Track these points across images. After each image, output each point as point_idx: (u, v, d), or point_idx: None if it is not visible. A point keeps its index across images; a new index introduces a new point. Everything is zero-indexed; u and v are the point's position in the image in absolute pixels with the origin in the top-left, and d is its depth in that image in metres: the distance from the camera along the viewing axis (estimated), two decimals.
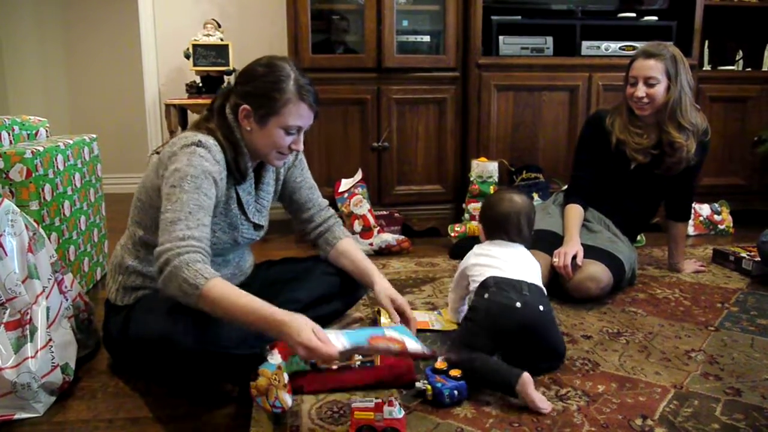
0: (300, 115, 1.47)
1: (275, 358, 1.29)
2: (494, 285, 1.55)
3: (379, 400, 1.26)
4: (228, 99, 1.51)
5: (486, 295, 1.54)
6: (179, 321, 1.32)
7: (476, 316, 1.54)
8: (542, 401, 1.36)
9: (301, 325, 1.19)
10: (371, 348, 1.30)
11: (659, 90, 2.11)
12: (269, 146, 1.48)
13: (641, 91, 2.12)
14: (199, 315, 1.30)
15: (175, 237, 1.30)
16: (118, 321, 1.52)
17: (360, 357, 1.49)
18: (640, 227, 2.42)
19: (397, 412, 1.25)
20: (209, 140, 1.43)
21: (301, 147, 1.52)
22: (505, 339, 1.50)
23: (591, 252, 2.10)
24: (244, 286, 1.63)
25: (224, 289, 1.26)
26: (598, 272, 2.03)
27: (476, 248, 1.72)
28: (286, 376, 1.27)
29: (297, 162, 1.72)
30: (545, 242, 2.15)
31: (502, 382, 1.40)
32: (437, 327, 1.83)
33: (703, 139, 2.20)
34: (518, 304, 1.50)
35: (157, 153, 1.53)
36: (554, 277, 2.14)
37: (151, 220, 1.46)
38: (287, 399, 1.25)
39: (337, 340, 1.22)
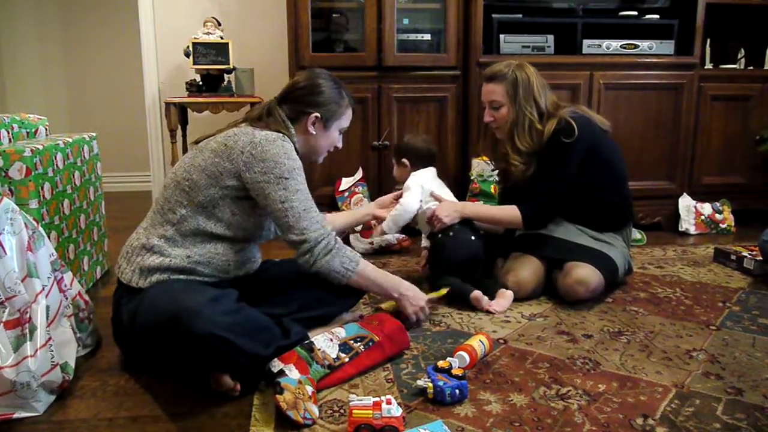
0: (350, 118, 1.81)
1: (293, 373, 1.38)
2: (458, 224, 2.10)
3: (378, 399, 1.26)
4: (281, 107, 1.71)
5: (451, 233, 2.09)
6: (191, 301, 1.37)
7: (444, 250, 2.10)
8: (493, 305, 1.97)
9: (414, 291, 1.80)
10: (368, 329, 1.60)
11: (503, 112, 2.11)
12: (328, 146, 1.79)
13: (488, 115, 2.15)
14: (211, 298, 1.41)
15: (317, 223, 1.61)
16: (131, 305, 1.52)
17: (361, 343, 1.56)
18: (601, 222, 2.19)
19: (395, 410, 1.25)
20: (286, 137, 1.64)
21: (341, 144, 1.84)
22: (464, 267, 2.07)
23: (579, 253, 2.07)
24: (248, 282, 1.66)
25: (368, 266, 1.71)
26: (587, 275, 2.00)
27: (422, 178, 2.22)
28: (309, 389, 1.36)
29: None
30: (535, 245, 2.14)
31: (463, 296, 2.00)
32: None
33: (554, 139, 2.05)
34: (473, 238, 2.10)
35: (197, 143, 1.68)
36: (548, 279, 2.14)
37: (204, 199, 1.58)
38: (315, 410, 1.34)
39: (332, 350, 1.50)
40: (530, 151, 2.07)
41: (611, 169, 2.15)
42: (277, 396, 1.31)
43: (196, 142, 1.69)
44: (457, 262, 2.08)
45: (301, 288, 1.70)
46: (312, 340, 1.51)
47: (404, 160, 2.26)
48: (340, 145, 1.82)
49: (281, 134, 1.63)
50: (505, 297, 2.01)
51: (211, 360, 1.40)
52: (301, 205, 1.58)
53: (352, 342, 1.55)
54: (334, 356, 1.49)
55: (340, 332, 1.56)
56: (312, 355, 1.46)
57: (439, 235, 2.12)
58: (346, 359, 1.51)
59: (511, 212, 2.12)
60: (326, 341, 1.51)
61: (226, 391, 1.44)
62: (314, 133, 1.72)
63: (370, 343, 1.57)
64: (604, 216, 2.16)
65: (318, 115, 1.70)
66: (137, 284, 1.54)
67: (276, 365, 1.40)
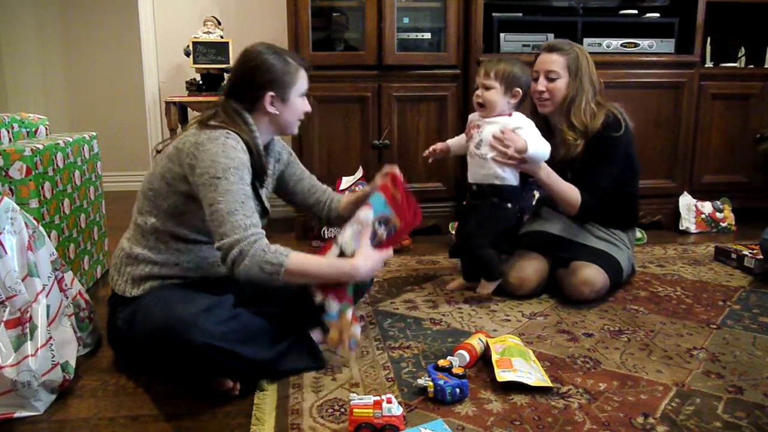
0: (306, 79, 1.68)
1: (332, 306, 1.50)
2: (513, 192, 2.01)
3: (378, 398, 1.26)
4: (231, 100, 1.61)
5: (509, 204, 2.01)
6: (185, 312, 1.36)
7: (506, 220, 2.05)
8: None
9: (365, 264, 1.54)
10: (391, 206, 1.67)
11: (559, 85, 2.06)
12: (295, 116, 1.68)
13: (542, 85, 2.08)
14: (205, 308, 1.39)
15: (238, 227, 1.43)
16: (127, 313, 1.52)
17: (385, 229, 1.66)
18: (614, 216, 2.19)
19: (396, 409, 1.25)
20: (231, 133, 1.53)
21: (310, 107, 1.72)
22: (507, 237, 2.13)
23: (587, 253, 2.08)
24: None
25: (301, 260, 1.48)
26: (593, 276, 2.01)
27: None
28: (348, 313, 1.49)
29: (291, 159, 1.86)
30: (540, 244, 2.14)
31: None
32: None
33: (606, 134, 2.05)
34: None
35: (159, 151, 1.62)
36: (552, 279, 2.14)
37: (169, 207, 1.55)
38: (357, 331, 1.51)
39: (354, 239, 1.58)
40: (581, 129, 2.05)
41: (632, 162, 2.16)
42: (328, 338, 1.51)
43: (158, 151, 1.66)
44: (506, 232, 2.07)
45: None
46: (340, 234, 1.62)
47: (518, 90, 1.99)
48: (308, 108, 1.70)
49: (227, 130, 1.53)
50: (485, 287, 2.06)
51: (208, 368, 1.41)
52: (226, 208, 1.43)
53: (377, 226, 1.64)
54: (358, 246, 1.59)
55: (369, 215, 1.64)
56: None
57: (508, 204, 2.00)
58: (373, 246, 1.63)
59: (574, 194, 2.03)
60: (354, 235, 1.60)
61: (226, 390, 1.45)
62: (276, 111, 1.62)
63: (392, 230, 1.67)
64: (619, 209, 2.16)
65: (272, 93, 1.60)
66: (131, 294, 1.55)
67: (317, 296, 1.51)
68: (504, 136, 1.90)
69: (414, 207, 1.75)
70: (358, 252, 1.55)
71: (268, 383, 1.49)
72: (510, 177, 1.98)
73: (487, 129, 1.96)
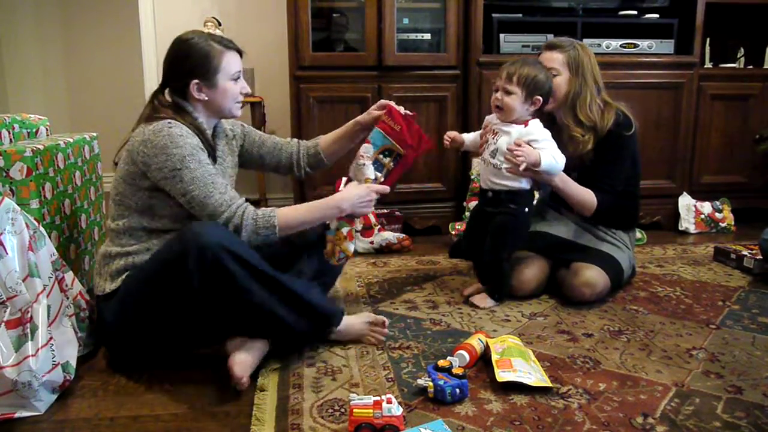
0: (235, 61, 1.65)
1: (333, 223, 1.73)
2: (527, 198, 2.02)
3: (378, 398, 1.26)
4: (163, 91, 1.65)
5: (527, 209, 2.01)
6: (190, 233, 1.44)
7: (525, 227, 2.04)
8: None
9: (349, 196, 1.68)
10: (391, 137, 1.79)
11: (559, 81, 2.05)
12: (229, 99, 1.65)
13: None
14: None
15: (220, 206, 1.52)
16: (111, 305, 1.56)
17: (390, 158, 1.79)
18: (616, 216, 2.18)
19: (396, 409, 1.25)
20: (173, 122, 1.55)
21: (248, 89, 1.71)
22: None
23: (588, 255, 2.09)
24: None
25: (289, 213, 1.61)
26: (594, 277, 2.01)
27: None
28: (344, 230, 1.71)
29: (246, 131, 1.89)
30: (541, 245, 2.14)
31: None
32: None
33: (618, 132, 2.05)
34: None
35: (117, 163, 1.66)
36: (552, 280, 2.14)
37: (138, 205, 1.59)
38: (350, 247, 1.73)
39: (369, 171, 1.76)
40: (590, 125, 2.04)
41: (636, 163, 2.17)
42: (325, 251, 1.73)
43: (116, 163, 1.67)
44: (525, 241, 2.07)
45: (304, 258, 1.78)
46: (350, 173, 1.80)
47: (539, 98, 1.94)
48: (246, 90, 1.68)
49: (167, 120, 1.55)
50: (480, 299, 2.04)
51: (225, 297, 1.43)
52: (201, 193, 1.51)
53: (382, 157, 1.78)
54: (373, 177, 1.76)
55: (368, 149, 1.79)
56: None
57: (526, 209, 1.99)
58: (382, 178, 1.79)
59: (590, 198, 2.02)
60: (358, 166, 1.77)
61: (234, 383, 1.46)
62: (206, 97, 1.62)
63: (398, 158, 1.80)
64: (621, 209, 2.15)
65: (196, 81, 1.59)
66: (110, 288, 1.57)
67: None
68: (518, 150, 1.85)
69: (417, 133, 1.84)
70: (342, 191, 1.70)
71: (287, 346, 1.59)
72: (524, 182, 1.96)
73: (502, 138, 1.93)
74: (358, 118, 1.92)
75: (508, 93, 1.91)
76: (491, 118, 2.02)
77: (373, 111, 1.87)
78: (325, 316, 1.62)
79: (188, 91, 1.61)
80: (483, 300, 2.02)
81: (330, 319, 1.64)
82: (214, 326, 1.52)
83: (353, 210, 1.69)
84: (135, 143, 1.56)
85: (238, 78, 1.66)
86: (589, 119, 2.04)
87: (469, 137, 2.14)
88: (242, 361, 1.48)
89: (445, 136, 2.14)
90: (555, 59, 2.06)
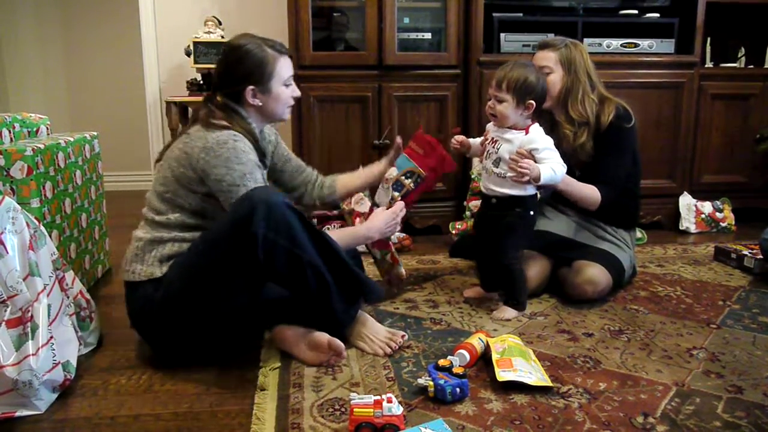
0: (288, 66, 1.70)
1: (376, 253, 2.02)
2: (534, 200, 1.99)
3: (378, 397, 1.26)
4: (217, 95, 1.67)
5: (532, 212, 1.97)
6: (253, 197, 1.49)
7: (532, 227, 2.03)
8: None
9: (377, 225, 1.83)
10: (414, 160, 1.96)
11: (553, 79, 2.05)
12: (282, 104, 1.71)
13: None
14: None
15: None
16: (165, 283, 1.55)
17: (411, 180, 1.94)
18: (617, 213, 2.19)
19: (396, 408, 1.25)
20: (238, 135, 1.59)
21: (299, 92, 1.76)
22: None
23: (590, 253, 2.09)
24: None
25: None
26: (596, 275, 2.01)
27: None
28: (388, 257, 1.98)
29: (279, 141, 1.92)
30: (543, 244, 2.14)
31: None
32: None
33: (618, 125, 2.05)
34: None
35: (158, 160, 1.67)
36: (553, 278, 2.14)
37: (191, 206, 1.61)
38: (401, 271, 2.03)
39: (386, 196, 1.93)
40: (581, 121, 2.06)
41: (637, 160, 2.17)
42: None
43: (158, 161, 1.68)
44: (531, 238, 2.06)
45: None
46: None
47: (531, 102, 1.88)
48: (297, 93, 1.73)
49: (232, 132, 1.58)
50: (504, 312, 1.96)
51: (283, 255, 1.47)
52: None
53: (403, 179, 1.92)
54: (389, 198, 1.88)
55: (392, 171, 1.97)
56: None
57: (531, 212, 1.97)
58: (399, 197, 1.90)
59: (593, 194, 2.02)
60: (381, 191, 1.96)
61: (338, 352, 1.56)
62: (260, 103, 1.66)
63: (419, 179, 1.95)
64: (623, 206, 2.16)
65: (252, 87, 1.64)
66: (161, 273, 1.57)
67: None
68: (522, 163, 1.82)
69: (440, 155, 2.00)
70: (368, 219, 1.83)
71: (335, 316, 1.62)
72: (529, 189, 1.93)
73: (504, 146, 1.90)
74: (383, 168, 2.03)
75: (500, 101, 1.89)
76: (491, 126, 2.02)
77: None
78: (364, 285, 1.65)
79: (242, 97, 1.65)
80: (503, 312, 1.94)
81: (369, 290, 1.66)
82: (261, 307, 1.61)
83: (383, 236, 1.83)
84: (195, 149, 1.57)
85: (291, 83, 1.71)
86: (580, 115, 2.05)
87: (475, 142, 2.14)
88: (322, 336, 1.57)
89: (453, 140, 2.14)
90: (548, 57, 2.07)
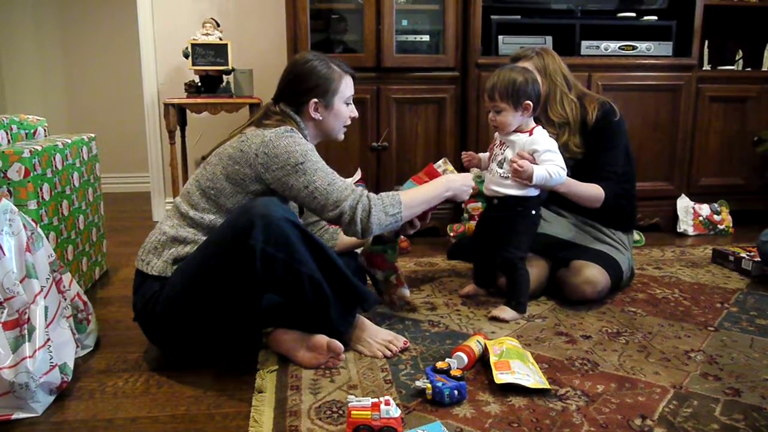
0: (350, 85, 1.77)
1: (379, 274, 1.95)
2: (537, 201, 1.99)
3: (376, 400, 1.26)
4: (279, 105, 1.72)
5: (534, 212, 1.99)
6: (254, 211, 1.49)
7: (535, 227, 2.03)
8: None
9: (455, 178, 1.80)
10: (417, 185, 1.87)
11: None
12: (340, 122, 1.77)
13: None
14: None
15: (346, 190, 1.60)
16: (171, 283, 1.55)
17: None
18: (614, 214, 2.19)
19: (394, 411, 1.25)
20: (293, 129, 1.64)
21: (356, 113, 1.81)
22: None
23: (587, 254, 2.09)
24: None
25: (408, 193, 1.70)
26: (595, 276, 2.02)
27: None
28: (393, 279, 1.93)
29: None
30: (541, 246, 2.14)
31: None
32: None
33: (608, 119, 2.08)
34: None
35: (204, 158, 1.71)
36: (552, 279, 2.14)
37: (233, 206, 1.61)
38: (405, 293, 1.97)
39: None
40: (562, 122, 2.09)
41: (629, 153, 2.18)
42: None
43: (204, 158, 1.71)
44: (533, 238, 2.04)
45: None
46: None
47: (528, 102, 1.89)
48: (355, 114, 1.80)
49: (288, 126, 1.64)
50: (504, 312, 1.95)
51: (280, 267, 1.47)
52: (324, 182, 1.59)
53: None
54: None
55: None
56: (383, 241, 1.87)
57: (533, 211, 1.98)
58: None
59: (595, 192, 2.04)
60: None
61: (338, 353, 1.57)
62: (320, 117, 1.72)
63: None
64: (620, 207, 2.16)
65: (315, 100, 1.70)
66: (171, 272, 1.57)
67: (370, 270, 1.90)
68: (518, 164, 1.85)
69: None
70: (450, 181, 1.79)
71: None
72: (531, 190, 1.94)
73: (508, 149, 1.93)
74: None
75: (498, 111, 1.91)
76: (499, 135, 2.03)
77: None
78: (361, 295, 1.65)
79: (304, 109, 1.71)
80: (503, 311, 1.93)
81: (365, 299, 1.66)
82: (259, 313, 1.62)
83: (458, 191, 1.78)
84: (253, 145, 1.60)
85: (350, 103, 1.77)
86: (560, 116, 2.09)
87: (484, 156, 2.14)
88: (322, 337, 1.58)
89: (463, 154, 2.16)
90: (525, 66, 2.07)
